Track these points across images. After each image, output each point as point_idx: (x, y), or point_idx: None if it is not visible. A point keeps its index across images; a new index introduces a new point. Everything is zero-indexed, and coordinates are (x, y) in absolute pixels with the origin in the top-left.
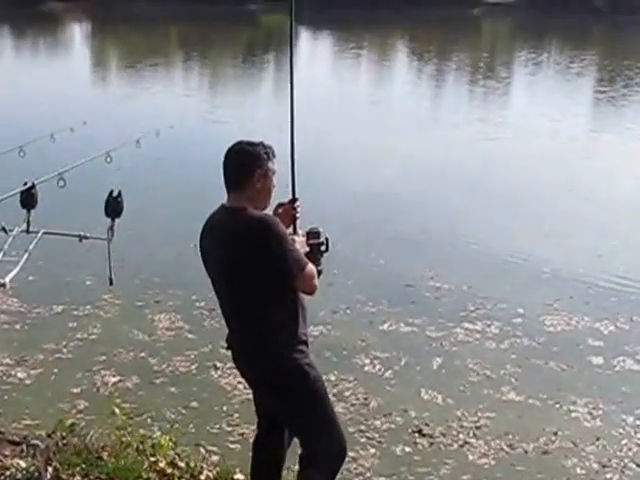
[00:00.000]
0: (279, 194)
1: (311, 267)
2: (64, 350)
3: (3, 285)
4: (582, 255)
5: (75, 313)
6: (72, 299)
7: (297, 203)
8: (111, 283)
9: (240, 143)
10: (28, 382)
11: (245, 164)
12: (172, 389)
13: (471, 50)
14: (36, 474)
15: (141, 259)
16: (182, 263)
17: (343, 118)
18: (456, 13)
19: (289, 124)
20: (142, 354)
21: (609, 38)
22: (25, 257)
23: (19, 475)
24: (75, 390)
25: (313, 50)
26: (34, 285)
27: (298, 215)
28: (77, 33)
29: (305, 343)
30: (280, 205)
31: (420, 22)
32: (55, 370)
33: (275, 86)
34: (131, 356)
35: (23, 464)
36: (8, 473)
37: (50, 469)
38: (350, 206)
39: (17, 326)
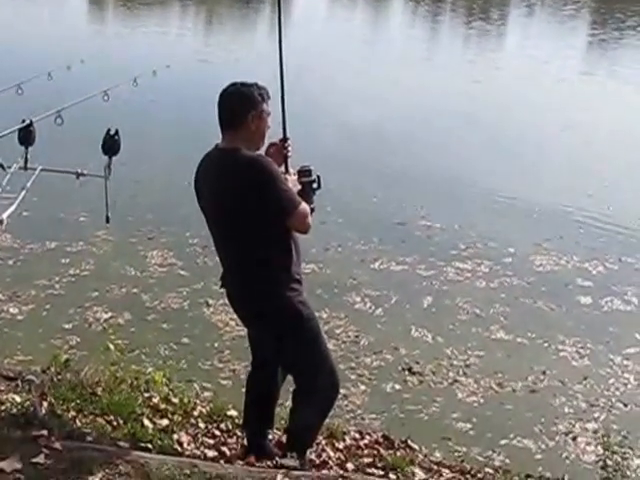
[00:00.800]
0: (271, 132)
1: (304, 206)
2: (56, 286)
3: (0, 222)
4: (573, 195)
5: (68, 249)
6: (65, 235)
7: (288, 142)
8: (107, 221)
9: (234, 84)
10: (20, 318)
11: (239, 105)
12: (164, 325)
13: None
14: (31, 409)
15: (135, 196)
16: (176, 201)
17: (336, 58)
18: None
19: (278, 63)
20: (134, 290)
21: None
22: (23, 194)
23: (14, 410)
24: (67, 326)
25: None
26: (28, 221)
27: (289, 154)
28: None
29: (299, 281)
30: (272, 145)
31: None
32: (47, 306)
33: (272, 25)
34: (123, 292)
35: (18, 399)
36: (3, 408)
37: (45, 404)
38: (343, 145)
39: (10, 262)
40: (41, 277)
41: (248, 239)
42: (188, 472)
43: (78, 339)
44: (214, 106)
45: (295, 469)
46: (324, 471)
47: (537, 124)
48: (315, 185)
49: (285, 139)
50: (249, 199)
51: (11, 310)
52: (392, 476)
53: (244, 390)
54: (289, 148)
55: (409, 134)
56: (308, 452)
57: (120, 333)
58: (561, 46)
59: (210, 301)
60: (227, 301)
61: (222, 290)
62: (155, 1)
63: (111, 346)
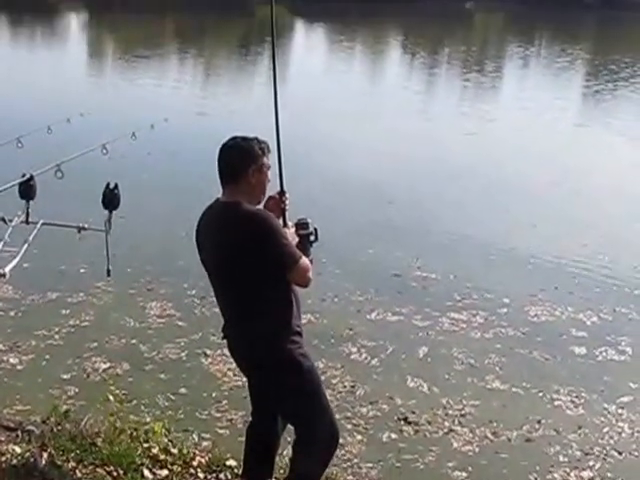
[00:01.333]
0: (269, 185)
1: (305, 260)
2: (56, 337)
3: (3, 275)
4: (568, 246)
5: (68, 300)
6: (66, 287)
7: (285, 196)
8: (108, 274)
9: (235, 138)
10: (20, 368)
11: (240, 159)
12: (162, 376)
13: (463, 44)
14: (31, 460)
15: (134, 248)
16: (174, 252)
17: (334, 110)
18: (450, 7)
19: (274, 117)
20: (133, 341)
21: (598, 33)
22: (25, 247)
23: (14, 461)
24: (66, 376)
25: (307, 42)
26: (29, 273)
27: (287, 207)
28: (74, 23)
29: (299, 334)
30: (270, 198)
31: (414, 15)
32: (47, 356)
33: (269, 77)
34: (122, 343)
35: (18, 450)
36: (3, 459)
37: (45, 455)
38: (338, 197)
39: (11, 313)
40: (41, 328)
41: (249, 292)
42: None
43: (77, 389)
44: (211, 159)
45: None
46: None
47: (532, 175)
48: (312, 238)
49: (282, 192)
50: (250, 253)
51: (11, 360)
52: None
53: (243, 439)
54: (286, 202)
55: (405, 186)
56: None
57: (119, 383)
58: (556, 97)
59: (208, 351)
60: (225, 351)
61: (222, 340)
62: (153, 54)
63: (110, 397)
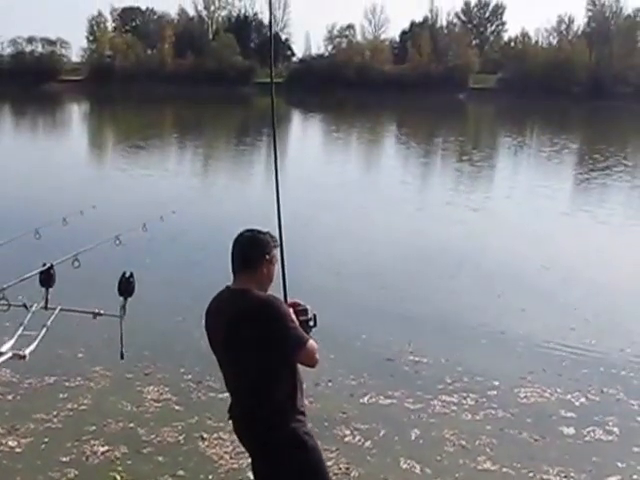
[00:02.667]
0: None
1: (312, 342)
2: (54, 420)
3: (23, 357)
4: (556, 329)
5: (66, 384)
6: (63, 371)
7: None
8: (122, 357)
9: (252, 231)
10: (19, 450)
11: (255, 250)
12: (159, 458)
13: (456, 134)
14: None
15: (132, 333)
16: (171, 338)
17: (330, 201)
18: (444, 98)
19: (276, 219)
20: (131, 425)
21: (585, 123)
22: (43, 331)
23: None
24: (64, 459)
25: (304, 132)
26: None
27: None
28: (75, 113)
29: (303, 413)
30: None
31: (409, 106)
32: (45, 439)
33: (268, 168)
34: (120, 426)
35: None
36: None
37: None
38: (334, 284)
39: (9, 397)
40: (39, 411)
41: (258, 373)
42: None
43: (76, 472)
44: (213, 249)
45: None
46: None
47: (521, 261)
48: (312, 323)
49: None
50: (260, 336)
51: (10, 443)
52: None
53: None
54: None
55: (399, 272)
56: None
57: (116, 466)
58: (544, 186)
59: (205, 435)
60: (222, 434)
61: (218, 424)
62: (151, 145)
63: (118, 477)
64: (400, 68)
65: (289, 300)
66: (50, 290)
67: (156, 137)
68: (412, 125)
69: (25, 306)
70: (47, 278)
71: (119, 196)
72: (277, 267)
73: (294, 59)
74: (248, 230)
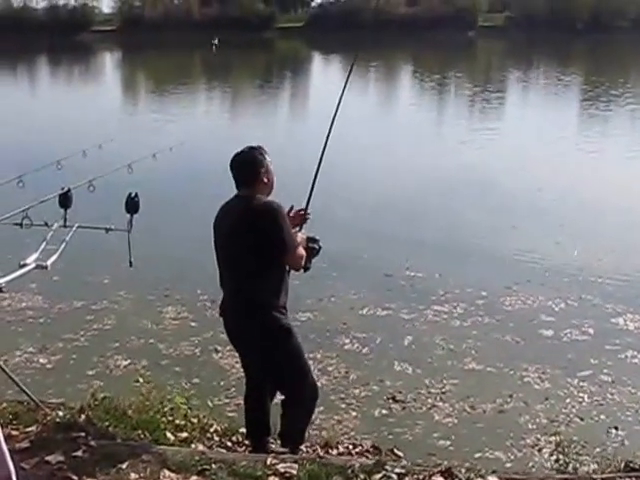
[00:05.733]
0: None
1: (301, 249)
2: (81, 339)
3: (46, 267)
4: (542, 243)
5: (93, 307)
6: (91, 295)
7: (308, 212)
8: (131, 265)
9: (242, 150)
10: (49, 367)
11: (251, 166)
12: (177, 369)
13: (468, 70)
14: (72, 420)
15: (153, 259)
16: (190, 261)
17: (350, 136)
18: (454, 36)
19: (320, 153)
20: (151, 340)
21: (588, 55)
22: (63, 246)
23: (57, 419)
24: (90, 372)
25: (325, 70)
26: (58, 284)
27: (307, 220)
28: (108, 61)
29: (285, 308)
30: (294, 210)
31: (422, 44)
32: (73, 356)
33: (288, 108)
34: (141, 343)
35: (61, 413)
36: (49, 418)
37: (83, 416)
38: (345, 212)
39: (40, 320)
40: (68, 332)
41: (250, 266)
42: (197, 458)
43: (101, 383)
44: (225, 174)
45: (283, 453)
46: None
47: (517, 183)
48: (316, 248)
49: (306, 208)
50: (258, 233)
51: (41, 360)
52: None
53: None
54: (308, 216)
55: (398, 197)
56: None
57: (137, 376)
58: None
59: (219, 347)
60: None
61: (220, 317)
62: (184, 86)
63: (140, 379)
64: (412, 10)
65: (295, 210)
66: (68, 211)
67: (185, 81)
68: (426, 61)
69: (46, 224)
70: (65, 200)
71: (137, 134)
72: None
73: (313, 4)
74: (241, 150)
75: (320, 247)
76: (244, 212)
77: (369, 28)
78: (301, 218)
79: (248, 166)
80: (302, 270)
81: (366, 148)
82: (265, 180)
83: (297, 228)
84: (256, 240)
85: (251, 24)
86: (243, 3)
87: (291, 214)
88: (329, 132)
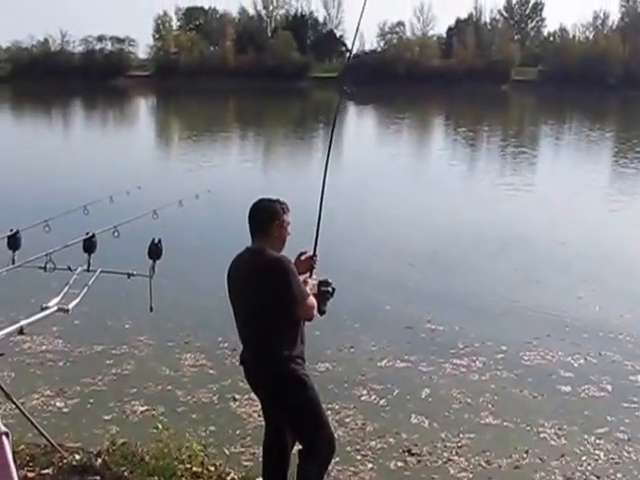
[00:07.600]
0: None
1: (312, 299)
2: (99, 383)
3: (67, 311)
4: (564, 298)
5: (113, 352)
6: (111, 340)
7: (316, 258)
8: (151, 310)
9: (262, 200)
10: (66, 410)
11: (265, 217)
12: (194, 416)
13: (501, 123)
14: (88, 463)
15: (175, 305)
16: (210, 310)
17: (378, 184)
18: (487, 89)
19: (319, 198)
20: (169, 387)
21: (620, 111)
22: (85, 290)
23: (74, 462)
24: (107, 417)
25: (359, 122)
26: (79, 328)
27: (315, 266)
28: (142, 106)
29: (302, 359)
30: (302, 254)
31: (455, 97)
32: (90, 400)
33: (320, 156)
34: (159, 389)
35: (78, 457)
36: (65, 461)
37: (100, 460)
38: (366, 261)
39: (60, 363)
40: (86, 376)
41: (265, 321)
42: None
43: (118, 428)
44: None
45: None
46: None
47: (539, 237)
48: (329, 292)
49: (314, 254)
50: (269, 288)
51: (57, 404)
52: None
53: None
54: (315, 262)
55: (428, 252)
56: None
57: (153, 423)
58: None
59: (237, 396)
60: (252, 395)
61: (241, 366)
62: (217, 133)
63: (159, 425)
64: (447, 62)
65: (305, 255)
66: (92, 256)
67: (218, 128)
68: (459, 114)
69: (69, 268)
70: (89, 245)
71: (166, 180)
72: (290, 229)
73: (347, 54)
74: (259, 200)
75: (334, 289)
76: (254, 267)
77: (403, 80)
78: (310, 263)
79: (263, 217)
80: (318, 315)
81: (391, 199)
82: (276, 234)
83: (307, 274)
84: (267, 294)
85: (286, 73)
86: (278, 51)
87: (302, 258)
88: (325, 174)
